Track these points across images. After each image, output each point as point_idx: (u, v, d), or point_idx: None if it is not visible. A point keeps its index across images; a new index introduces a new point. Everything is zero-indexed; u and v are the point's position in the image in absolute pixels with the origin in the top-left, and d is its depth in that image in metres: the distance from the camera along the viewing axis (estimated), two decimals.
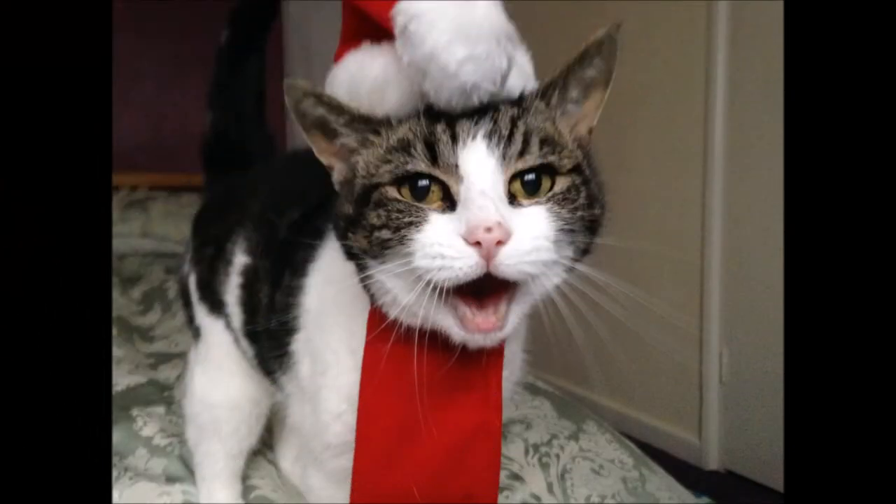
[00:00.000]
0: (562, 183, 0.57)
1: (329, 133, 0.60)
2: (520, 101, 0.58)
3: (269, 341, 0.78)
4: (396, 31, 0.52)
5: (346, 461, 0.65)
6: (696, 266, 2.29)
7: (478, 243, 0.51)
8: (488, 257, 0.51)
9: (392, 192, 0.55)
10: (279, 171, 0.90)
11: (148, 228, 2.82)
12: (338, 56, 0.63)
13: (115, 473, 0.98)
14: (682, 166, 2.33)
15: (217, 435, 0.92)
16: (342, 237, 0.60)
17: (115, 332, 1.74)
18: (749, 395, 2.15)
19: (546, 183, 0.56)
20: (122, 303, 2.04)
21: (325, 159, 0.62)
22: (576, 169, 0.57)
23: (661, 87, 2.36)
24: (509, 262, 0.51)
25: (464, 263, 0.51)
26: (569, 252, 0.57)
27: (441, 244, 0.52)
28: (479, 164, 0.53)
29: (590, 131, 0.63)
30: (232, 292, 0.85)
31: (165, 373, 1.46)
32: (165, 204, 2.92)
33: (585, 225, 0.58)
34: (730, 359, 2.22)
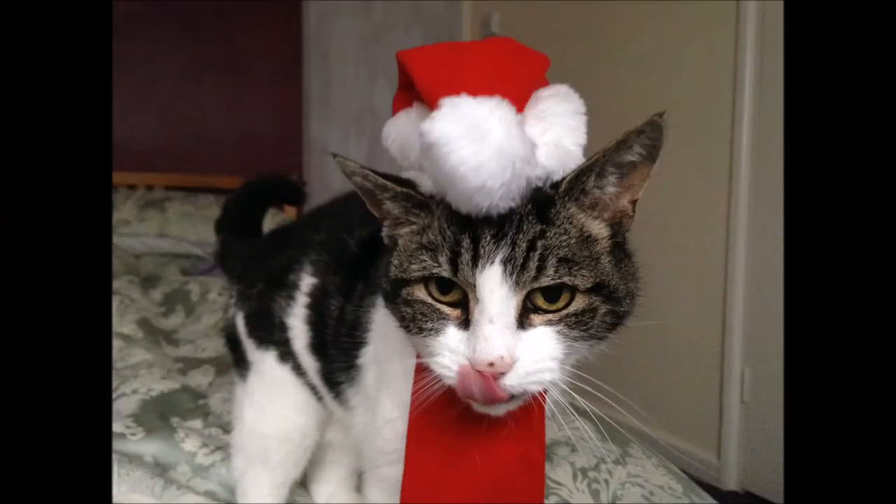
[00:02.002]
0: (579, 302, 0.57)
1: (376, 202, 0.63)
2: (555, 189, 0.58)
3: (339, 353, 0.81)
4: (422, 147, 0.53)
5: (397, 471, 0.67)
6: (720, 284, 2.28)
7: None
8: (491, 382, 0.55)
9: (419, 292, 0.59)
10: (342, 204, 0.93)
11: (165, 228, 2.82)
12: (395, 104, 0.65)
13: (160, 483, 0.97)
14: (707, 183, 2.33)
15: (266, 464, 0.93)
16: (384, 297, 0.64)
17: (140, 334, 1.73)
18: (770, 416, 2.14)
19: (566, 296, 0.57)
20: (143, 304, 2.02)
21: (376, 212, 0.65)
22: (595, 288, 0.57)
23: (687, 102, 2.36)
24: (511, 383, 0.55)
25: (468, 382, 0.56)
26: (579, 355, 0.60)
27: (451, 365, 0.57)
28: (492, 290, 0.55)
29: (633, 202, 0.62)
30: (297, 314, 0.87)
31: (197, 379, 1.44)
32: (182, 205, 2.91)
33: (601, 335, 0.59)
34: (752, 378, 2.21)
